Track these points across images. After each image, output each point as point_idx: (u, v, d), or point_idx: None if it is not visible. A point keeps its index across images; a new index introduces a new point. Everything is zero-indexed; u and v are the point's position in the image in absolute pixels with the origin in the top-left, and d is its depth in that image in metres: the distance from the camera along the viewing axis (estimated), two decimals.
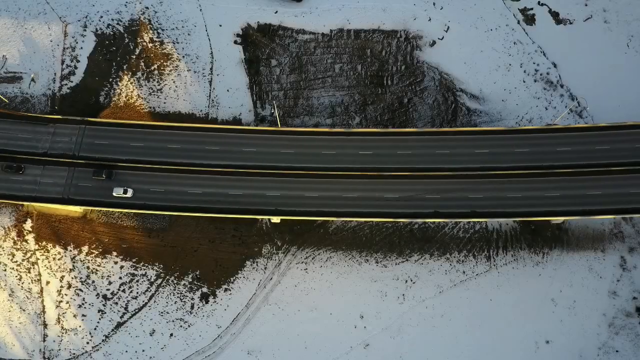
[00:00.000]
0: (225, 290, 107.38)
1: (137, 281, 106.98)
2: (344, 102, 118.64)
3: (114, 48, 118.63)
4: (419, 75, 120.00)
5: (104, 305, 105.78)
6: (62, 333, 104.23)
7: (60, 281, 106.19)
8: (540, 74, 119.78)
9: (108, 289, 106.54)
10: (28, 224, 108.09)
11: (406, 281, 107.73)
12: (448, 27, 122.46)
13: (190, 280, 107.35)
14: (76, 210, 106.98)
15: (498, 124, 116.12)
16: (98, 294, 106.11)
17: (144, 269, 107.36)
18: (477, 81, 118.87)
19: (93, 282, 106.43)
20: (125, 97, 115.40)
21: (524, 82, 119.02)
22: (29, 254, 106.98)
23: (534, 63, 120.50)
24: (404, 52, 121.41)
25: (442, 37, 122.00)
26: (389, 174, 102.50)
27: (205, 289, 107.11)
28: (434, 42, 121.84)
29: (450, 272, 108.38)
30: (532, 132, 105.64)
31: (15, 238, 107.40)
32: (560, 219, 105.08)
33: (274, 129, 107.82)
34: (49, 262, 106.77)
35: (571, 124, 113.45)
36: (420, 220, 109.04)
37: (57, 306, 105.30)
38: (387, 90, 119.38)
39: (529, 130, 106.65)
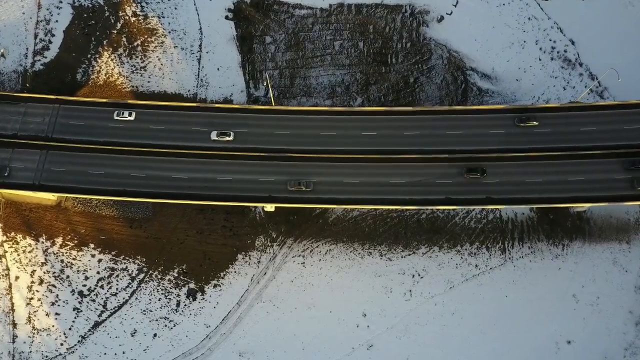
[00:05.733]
0: (215, 286, 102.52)
1: (117, 276, 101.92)
2: (345, 82, 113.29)
3: (93, 22, 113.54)
4: (426, 53, 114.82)
5: (79, 302, 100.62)
6: (34, 333, 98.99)
7: (31, 276, 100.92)
8: (557, 52, 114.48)
9: (84, 285, 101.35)
10: None
11: (413, 276, 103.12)
12: (457, 2, 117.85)
13: (176, 275, 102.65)
14: (49, 197, 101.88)
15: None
16: (73, 291, 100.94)
17: (125, 263, 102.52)
18: (489, 59, 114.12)
19: (68, 277, 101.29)
20: (105, 75, 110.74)
21: (540, 60, 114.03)
22: None
23: (550, 40, 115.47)
24: (409, 28, 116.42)
25: (451, 12, 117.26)
26: (394, 157, 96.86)
27: (192, 285, 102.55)
28: (441, 18, 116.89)
29: (462, 265, 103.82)
30: (553, 110, 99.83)
31: None
32: (585, 205, 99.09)
33: (267, 107, 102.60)
34: (18, 255, 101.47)
35: (595, 102, 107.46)
36: (429, 208, 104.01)
37: (28, 304, 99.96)
38: (392, 69, 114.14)
39: (549, 108, 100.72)
